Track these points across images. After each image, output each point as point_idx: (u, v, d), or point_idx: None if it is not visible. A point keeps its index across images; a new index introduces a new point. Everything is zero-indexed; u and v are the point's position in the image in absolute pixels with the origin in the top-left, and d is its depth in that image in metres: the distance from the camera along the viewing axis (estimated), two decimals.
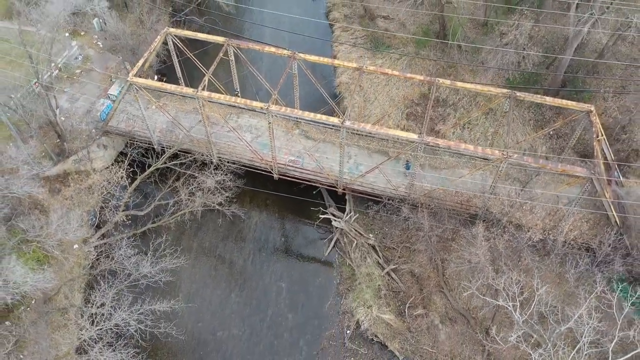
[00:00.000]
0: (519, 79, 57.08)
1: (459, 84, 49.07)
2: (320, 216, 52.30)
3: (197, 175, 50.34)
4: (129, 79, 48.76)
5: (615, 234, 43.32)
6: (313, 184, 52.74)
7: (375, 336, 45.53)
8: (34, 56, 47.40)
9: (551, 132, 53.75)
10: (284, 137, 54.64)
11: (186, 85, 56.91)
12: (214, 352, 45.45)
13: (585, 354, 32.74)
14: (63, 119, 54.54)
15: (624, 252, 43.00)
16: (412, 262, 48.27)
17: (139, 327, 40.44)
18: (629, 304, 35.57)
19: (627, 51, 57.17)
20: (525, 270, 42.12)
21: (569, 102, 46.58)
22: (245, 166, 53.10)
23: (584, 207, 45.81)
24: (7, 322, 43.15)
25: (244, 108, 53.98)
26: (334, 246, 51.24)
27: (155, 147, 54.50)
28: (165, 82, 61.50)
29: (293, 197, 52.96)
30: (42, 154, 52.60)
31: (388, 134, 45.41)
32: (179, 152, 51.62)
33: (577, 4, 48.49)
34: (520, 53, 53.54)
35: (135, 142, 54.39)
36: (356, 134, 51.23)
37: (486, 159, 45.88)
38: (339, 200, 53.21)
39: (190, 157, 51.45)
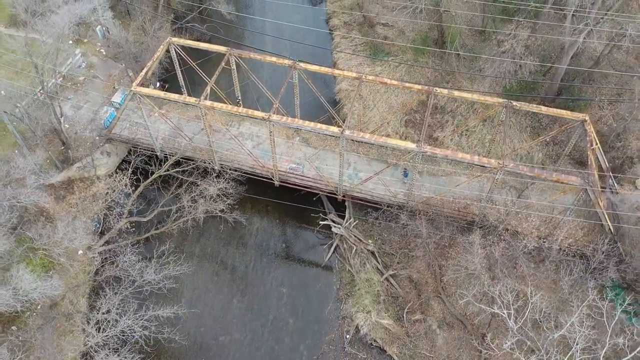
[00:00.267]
0: (516, 87, 57.99)
1: (456, 93, 49.97)
2: (320, 222, 53.24)
3: (199, 182, 51.28)
4: (132, 88, 49.68)
5: (608, 241, 44.22)
6: (313, 191, 53.68)
7: (374, 341, 46.47)
8: (39, 67, 48.26)
9: (548, 139, 54.64)
10: (284, 144, 55.58)
11: (188, 92, 57.93)
12: (216, 356, 46.39)
13: None
14: (67, 126, 55.42)
15: (617, 260, 43.89)
16: (410, 268, 49.20)
17: (144, 333, 41.37)
18: (620, 310, 36.63)
19: (623, 59, 58.06)
20: (520, 277, 43.10)
21: (564, 112, 47.42)
22: (247, 173, 54.03)
23: (579, 215, 46.72)
24: (13, 327, 44.10)
25: (246, 117, 54.86)
26: (333, 252, 52.18)
27: (158, 154, 55.43)
28: (167, 88, 62.69)
29: (294, 204, 53.86)
30: (47, 161, 53.51)
31: (387, 143, 46.28)
32: (181, 160, 52.58)
33: (573, 14, 49.24)
34: (517, 62, 54.44)
35: (138, 150, 55.26)
36: (356, 141, 52.14)
37: (483, 167, 46.78)
38: (339, 206, 54.15)
39: (193, 164, 52.39)
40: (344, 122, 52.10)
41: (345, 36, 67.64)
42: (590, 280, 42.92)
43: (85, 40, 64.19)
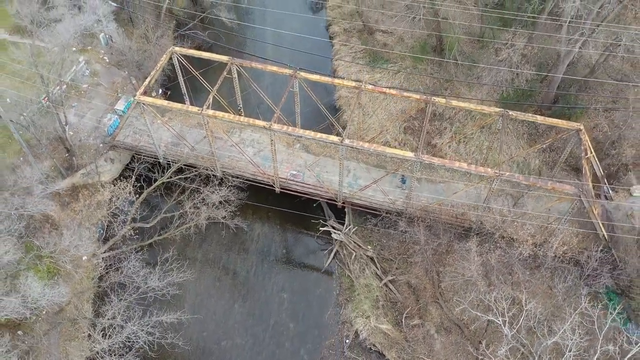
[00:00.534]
0: (513, 95, 58.84)
1: (454, 102, 50.86)
2: (321, 228, 54.19)
3: (201, 189, 52.23)
4: (136, 97, 50.62)
5: (602, 248, 45.14)
6: (313, 198, 54.63)
7: (373, 345, 47.43)
8: (45, 77, 49.20)
9: (544, 146, 55.51)
10: (285, 151, 56.54)
11: (190, 100, 58.84)
12: None
13: None
14: (71, 133, 56.35)
15: (610, 267, 44.80)
16: (409, 274, 50.14)
17: (148, 339, 42.36)
18: (614, 315, 37.62)
19: (619, 66, 58.84)
20: (516, 284, 44.03)
21: (559, 121, 48.31)
22: (248, 180, 54.98)
23: (574, 222, 47.61)
24: (19, 332, 45.07)
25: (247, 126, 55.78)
26: (333, 257, 53.14)
27: (161, 161, 56.38)
28: (169, 95, 63.66)
29: (294, 211, 54.79)
30: (52, 168, 54.47)
31: (385, 152, 47.20)
32: (183, 167, 53.52)
33: (568, 25, 50.08)
34: (514, 71, 55.31)
35: (142, 157, 56.17)
36: (355, 149, 53.01)
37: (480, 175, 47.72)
38: (339, 213, 55.11)
39: (195, 171, 53.34)
40: (343, 129, 53.05)
41: (345, 44, 68.49)
42: (584, 287, 43.83)
43: (89, 48, 65.08)
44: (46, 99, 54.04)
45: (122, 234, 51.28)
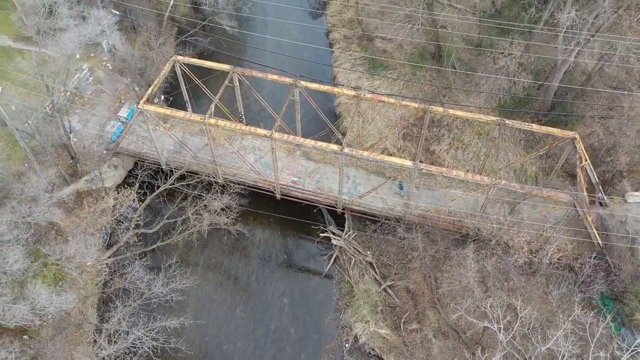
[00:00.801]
0: (510, 102, 59.73)
1: (451, 111, 51.78)
2: (320, 234, 55.08)
3: (204, 195, 53.16)
4: (139, 106, 51.54)
5: (596, 255, 46.05)
6: (313, 204, 55.55)
7: (373, 350, 48.35)
8: (50, 87, 50.11)
9: (541, 153, 56.37)
10: (285, 158, 57.45)
11: (192, 107, 59.77)
12: None
13: None
14: (75, 140, 57.28)
15: (604, 273, 45.70)
16: (407, 279, 51.06)
17: (152, 344, 43.32)
18: (608, 321, 38.60)
19: (614, 73, 59.70)
20: (512, 290, 44.95)
21: (555, 130, 49.23)
22: (249, 186, 55.89)
23: (568, 229, 48.49)
24: (25, 336, 46.00)
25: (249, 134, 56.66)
26: (333, 263, 54.09)
27: (163, 167, 57.28)
28: (170, 101, 64.55)
29: (295, 217, 55.71)
30: (57, 175, 55.40)
31: (384, 161, 48.10)
32: (186, 173, 54.43)
33: (564, 34, 50.96)
34: (511, 79, 56.20)
35: (145, 163, 57.04)
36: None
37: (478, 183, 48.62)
38: (339, 219, 56.03)
39: (197, 178, 54.24)
40: (343, 135, 53.92)
41: (345, 51, 69.35)
42: (578, 293, 44.72)
43: (92, 55, 65.94)
44: (50, 106, 55.02)
45: (125, 239, 52.18)
